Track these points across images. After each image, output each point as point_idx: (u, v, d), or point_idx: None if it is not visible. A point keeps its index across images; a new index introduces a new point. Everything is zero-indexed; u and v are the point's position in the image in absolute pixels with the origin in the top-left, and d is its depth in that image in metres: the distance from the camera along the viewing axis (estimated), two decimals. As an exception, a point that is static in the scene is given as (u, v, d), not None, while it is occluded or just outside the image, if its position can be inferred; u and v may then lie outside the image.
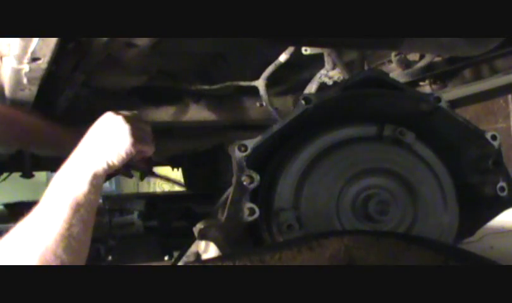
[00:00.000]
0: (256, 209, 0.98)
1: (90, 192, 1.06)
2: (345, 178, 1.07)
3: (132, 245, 2.55)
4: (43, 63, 1.13)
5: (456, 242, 1.16)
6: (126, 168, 1.38)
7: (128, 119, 1.12)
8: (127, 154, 1.10)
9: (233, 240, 1.00)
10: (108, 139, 1.10)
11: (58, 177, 1.08)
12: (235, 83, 1.81)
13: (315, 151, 1.08)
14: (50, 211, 1.03)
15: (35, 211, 1.05)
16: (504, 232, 2.76)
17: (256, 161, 1.02)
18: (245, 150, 1.00)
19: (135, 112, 1.20)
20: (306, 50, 1.51)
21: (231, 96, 2.10)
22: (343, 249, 0.84)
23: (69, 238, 1.02)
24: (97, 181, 1.08)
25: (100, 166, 1.08)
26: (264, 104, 1.85)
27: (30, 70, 1.16)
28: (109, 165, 1.09)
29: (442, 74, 1.75)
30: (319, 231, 1.01)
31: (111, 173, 1.15)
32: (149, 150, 1.17)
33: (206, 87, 1.89)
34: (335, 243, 0.84)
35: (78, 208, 1.04)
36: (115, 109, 1.16)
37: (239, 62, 1.82)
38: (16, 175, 2.95)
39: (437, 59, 1.68)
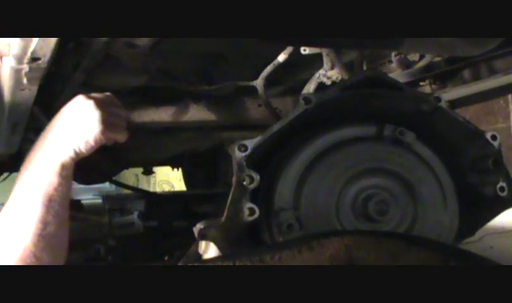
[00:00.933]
0: (256, 209, 0.98)
1: (60, 184, 1.01)
2: (345, 178, 1.07)
3: (132, 245, 2.55)
4: (43, 63, 1.13)
5: (456, 242, 1.16)
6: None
7: (99, 104, 1.06)
8: (96, 142, 1.04)
9: (233, 240, 1.00)
10: (75, 125, 1.04)
11: (26, 172, 1.04)
12: (234, 83, 1.82)
13: (315, 151, 1.08)
14: (23, 211, 0.99)
15: (6, 212, 1.01)
16: (504, 232, 2.77)
17: (256, 161, 1.02)
18: (245, 150, 1.00)
19: (109, 94, 1.14)
20: (305, 50, 1.51)
21: (230, 96, 2.10)
22: (343, 249, 0.84)
23: (46, 238, 0.99)
24: (66, 171, 1.03)
25: (67, 155, 1.03)
26: (263, 104, 1.85)
27: (30, 70, 1.16)
28: (76, 153, 1.03)
29: (442, 74, 1.75)
30: (319, 231, 1.01)
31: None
32: (121, 137, 1.10)
33: (206, 87, 1.90)
34: (335, 243, 0.84)
35: (51, 204, 1.00)
36: (87, 93, 1.09)
37: (240, 62, 1.82)
38: (16, 175, 2.95)
39: (437, 59, 1.68)
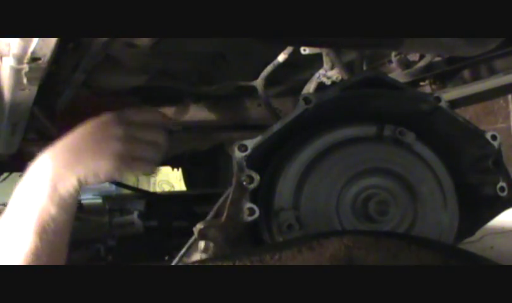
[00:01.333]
0: (256, 209, 0.98)
1: (58, 214, 0.88)
2: (345, 178, 1.07)
3: (132, 245, 2.54)
4: (43, 63, 1.13)
5: (456, 242, 1.16)
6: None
7: (128, 134, 0.90)
8: (106, 177, 0.89)
9: (233, 240, 1.00)
10: (89, 151, 0.89)
11: (22, 190, 0.91)
12: (234, 83, 1.82)
13: (315, 151, 1.08)
14: (14, 239, 0.89)
15: None
16: (504, 232, 2.77)
17: (256, 161, 1.02)
18: (245, 150, 1.00)
19: (155, 111, 0.95)
20: (305, 50, 1.51)
21: (230, 96, 2.11)
22: (343, 249, 0.84)
23: None
24: (66, 202, 0.89)
25: (69, 184, 0.88)
26: (262, 104, 1.86)
27: (30, 70, 1.16)
28: (80, 183, 0.88)
29: (442, 74, 1.76)
30: (319, 231, 1.01)
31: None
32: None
33: (206, 87, 1.90)
34: (335, 243, 0.84)
35: (44, 234, 0.88)
36: (122, 109, 0.94)
37: (239, 62, 1.82)
38: (16, 175, 2.96)
39: (437, 59, 1.68)
